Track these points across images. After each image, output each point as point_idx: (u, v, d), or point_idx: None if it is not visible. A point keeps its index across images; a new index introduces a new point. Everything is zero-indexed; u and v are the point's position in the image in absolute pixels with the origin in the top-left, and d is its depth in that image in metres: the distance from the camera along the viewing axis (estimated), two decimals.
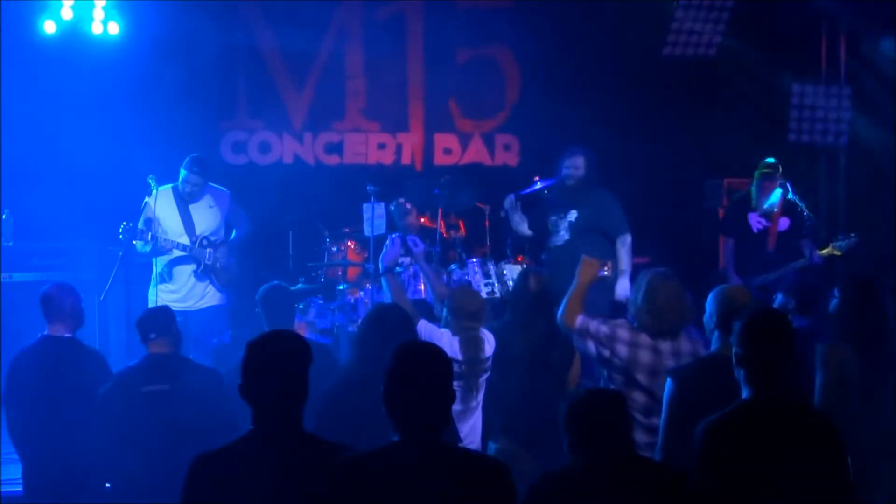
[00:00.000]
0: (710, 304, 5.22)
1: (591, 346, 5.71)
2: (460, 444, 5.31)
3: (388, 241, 7.33)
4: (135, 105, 9.81)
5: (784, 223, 9.04)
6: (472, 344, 6.17)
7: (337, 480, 3.55)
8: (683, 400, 4.89)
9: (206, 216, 8.46)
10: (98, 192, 8.95)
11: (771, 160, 9.11)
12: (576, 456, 3.86)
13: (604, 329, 5.66)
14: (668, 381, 5.01)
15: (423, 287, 8.50)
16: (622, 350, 5.57)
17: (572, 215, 8.73)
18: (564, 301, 5.95)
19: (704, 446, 4.00)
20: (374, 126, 11.23)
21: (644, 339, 5.56)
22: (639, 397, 5.46)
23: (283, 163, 11.04)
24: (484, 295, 8.26)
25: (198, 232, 8.39)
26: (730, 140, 10.52)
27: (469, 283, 8.63)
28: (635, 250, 8.74)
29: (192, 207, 8.43)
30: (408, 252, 8.27)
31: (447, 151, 11.36)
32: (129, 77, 9.89)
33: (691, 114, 10.62)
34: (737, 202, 9.42)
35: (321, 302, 9.20)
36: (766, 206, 9.05)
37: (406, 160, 11.26)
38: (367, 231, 9.08)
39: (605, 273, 6.48)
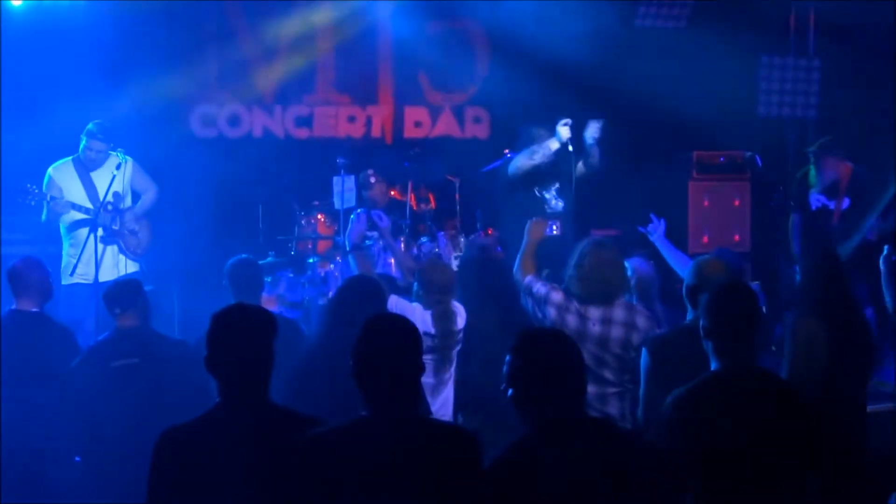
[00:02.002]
0: (685, 276, 5.31)
1: (530, 305, 5.88)
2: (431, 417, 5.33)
3: (353, 217, 7.33)
4: (103, 77, 9.70)
5: (845, 203, 8.83)
6: (444, 317, 6.20)
7: (305, 455, 3.53)
8: (658, 369, 4.96)
9: (108, 182, 8.31)
10: None
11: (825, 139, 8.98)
12: (526, 409, 3.58)
13: (542, 291, 5.82)
14: (643, 351, 5.11)
15: (392, 261, 8.50)
16: (551, 312, 5.72)
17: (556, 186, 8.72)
18: (518, 258, 6.14)
19: (673, 418, 4.02)
20: (345, 99, 11.19)
21: (574, 304, 5.69)
22: None
23: (252, 136, 10.98)
24: (454, 268, 8.27)
25: (101, 198, 8.31)
26: (699, 113, 10.52)
27: (439, 255, 8.65)
28: (602, 224, 8.76)
29: (93, 175, 8.36)
30: (374, 226, 8.27)
31: (417, 124, 11.32)
32: (97, 49, 9.77)
33: (661, 85, 10.60)
34: (799, 181, 9.28)
35: (291, 275, 9.18)
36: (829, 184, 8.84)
37: (376, 133, 11.22)
38: (337, 204, 9.06)
39: (555, 232, 6.54)
